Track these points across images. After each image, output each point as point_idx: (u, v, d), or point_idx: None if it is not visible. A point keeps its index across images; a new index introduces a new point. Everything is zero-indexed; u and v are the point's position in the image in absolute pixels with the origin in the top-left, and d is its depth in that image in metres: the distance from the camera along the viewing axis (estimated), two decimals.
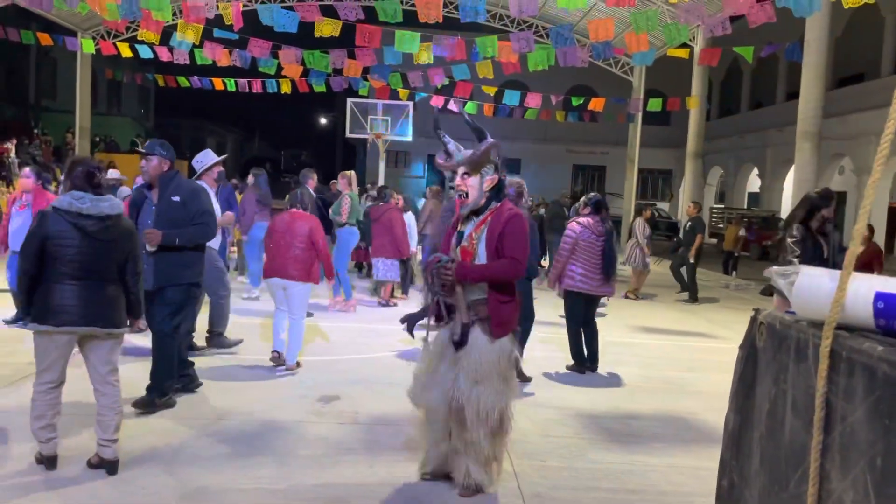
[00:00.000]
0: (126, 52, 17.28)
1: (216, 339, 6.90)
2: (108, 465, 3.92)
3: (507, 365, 3.79)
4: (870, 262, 9.39)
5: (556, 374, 6.73)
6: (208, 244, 6.47)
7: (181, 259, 5.06)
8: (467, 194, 3.82)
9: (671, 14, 16.28)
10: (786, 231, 5.39)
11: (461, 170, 3.82)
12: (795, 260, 5.02)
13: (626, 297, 12.03)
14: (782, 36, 19.56)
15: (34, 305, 3.80)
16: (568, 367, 6.86)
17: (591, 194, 7.27)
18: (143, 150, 5.20)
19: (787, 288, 1.65)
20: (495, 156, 3.87)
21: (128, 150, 28.61)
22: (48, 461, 3.90)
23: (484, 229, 3.78)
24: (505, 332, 3.78)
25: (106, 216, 3.85)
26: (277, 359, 6.38)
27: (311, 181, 9.35)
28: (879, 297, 1.46)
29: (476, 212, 3.86)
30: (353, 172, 10.35)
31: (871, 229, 9.94)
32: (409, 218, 10.27)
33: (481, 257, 3.77)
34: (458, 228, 3.93)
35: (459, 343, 3.76)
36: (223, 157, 6.91)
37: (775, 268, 1.80)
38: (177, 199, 5.03)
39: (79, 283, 3.79)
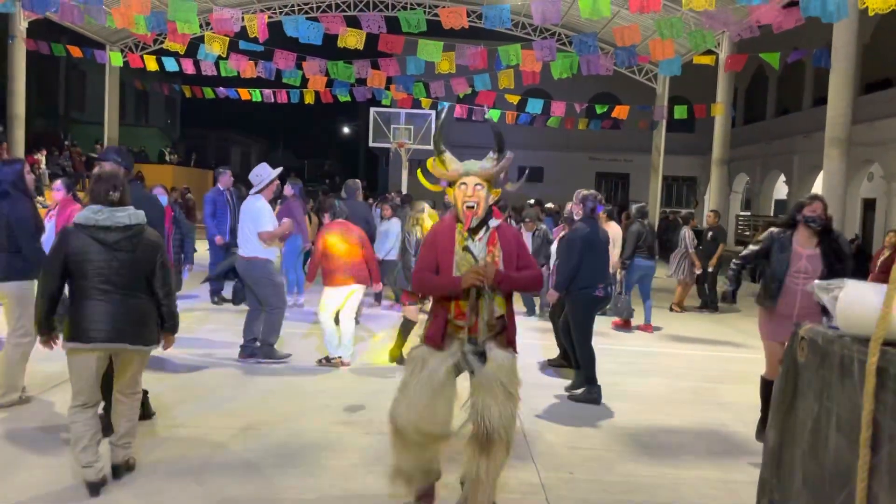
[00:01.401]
0: (153, 65, 17.54)
1: (266, 349, 6.89)
2: (113, 469, 3.95)
3: (519, 381, 3.68)
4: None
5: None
6: (262, 255, 6.70)
7: None
8: (476, 206, 3.53)
9: (696, 21, 16.16)
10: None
11: (474, 180, 3.55)
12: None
13: (672, 310, 11.69)
14: (809, 42, 19.31)
15: (69, 323, 3.78)
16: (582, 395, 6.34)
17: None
18: (96, 157, 5.04)
19: (831, 302, 1.61)
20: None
21: (156, 160, 29.02)
22: (90, 487, 3.77)
23: (498, 245, 3.61)
24: (516, 348, 3.72)
25: (125, 227, 3.78)
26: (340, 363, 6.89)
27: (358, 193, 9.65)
28: None
29: (474, 228, 3.60)
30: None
31: None
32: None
33: None
34: (464, 244, 3.59)
35: (481, 357, 3.55)
36: (279, 169, 6.97)
37: (818, 282, 1.76)
38: None
39: (105, 297, 3.74)
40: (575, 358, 6.43)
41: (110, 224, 3.76)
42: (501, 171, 3.67)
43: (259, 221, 6.64)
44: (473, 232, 3.60)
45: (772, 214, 29.68)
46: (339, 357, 6.87)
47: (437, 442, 3.54)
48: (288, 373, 6.55)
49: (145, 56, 18.63)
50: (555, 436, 5.19)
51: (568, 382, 6.58)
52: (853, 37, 14.01)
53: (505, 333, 3.65)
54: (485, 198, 3.56)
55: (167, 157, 29.42)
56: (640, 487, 4.30)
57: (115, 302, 3.76)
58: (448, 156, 3.70)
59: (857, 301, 1.58)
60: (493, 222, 3.67)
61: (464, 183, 3.55)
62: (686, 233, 11.48)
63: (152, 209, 4.54)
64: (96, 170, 4.51)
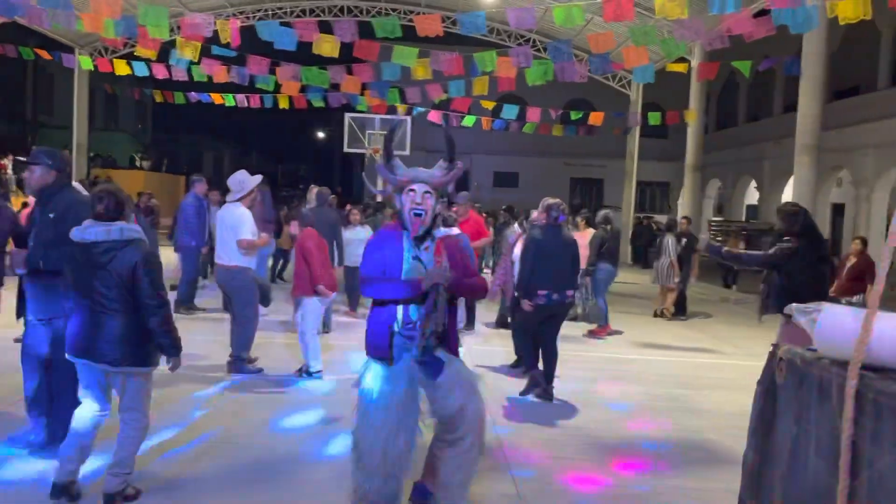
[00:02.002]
0: (123, 69, 17.28)
1: (237, 363, 6.72)
2: (104, 496, 3.78)
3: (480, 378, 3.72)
4: (863, 274, 9.40)
5: (561, 391, 6.66)
6: (243, 264, 6.57)
7: (48, 287, 4.35)
8: (424, 214, 3.48)
9: (668, 28, 16.33)
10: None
11: (423, 188, 3.47)
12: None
13: (663, 315, 11.65)
14: (779, 50, 19.62)
15: None
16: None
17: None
18: (27, 160, 4.72)
19: (809, 325, 1.61)
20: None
21: (126, 165, 28.61)
22: (52, 487, 3.73)
23: (444, 255, 3.56)
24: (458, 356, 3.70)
25: (92, 243, 3.69)
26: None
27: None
28: None
29: (420, 237, 3.55)
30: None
31: (864, 242, 9.95)
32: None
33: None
34: (414, 253, 3.53)
35: (433, 364, 3.49)
36: (259, 177, 6.85)
37: (796, 305, 1.75)
38: (52, 215, 4.34)
39: (84, 312, 3.75)
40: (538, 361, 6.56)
41: (81, 239, 3.73)
42: (451, 181, 3.61)
43: (239, 229, 6.54)
44: (419, 240, 3.54)
45: (743, 220, 30.07)
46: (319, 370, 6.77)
47: (403, 465, 3.44)
48: (261, 384, 6.46)
49: (115, 60, 18.35)
50: (531, 445, 5.17)
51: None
52: (822, 45, 14.25)
53: (448, 343, 3.59)
54: (432, 206, 3.50)
55: (138, 163, 28.99)
56: (618, 497, 4.30)
57: (89, 317, 3.72)
58: (396, 162, 3.63)
59: (835, 325, 1.57)
60: (439, 232, 3.65)
61: (412, 190, 3.48)
62: (670, 240, 11.48)
63: (84, 214, 4.19)
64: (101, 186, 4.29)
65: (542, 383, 6.35)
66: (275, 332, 8.67)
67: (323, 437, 5.12)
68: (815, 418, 1.60)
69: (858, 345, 1.42)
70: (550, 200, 6.65)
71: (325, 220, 9.17)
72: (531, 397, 6.36)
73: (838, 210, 25.86)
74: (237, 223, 6.56)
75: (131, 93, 24.42)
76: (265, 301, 7.12)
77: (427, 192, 3.48)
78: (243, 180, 6.65)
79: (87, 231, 3.74)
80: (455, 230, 8.99)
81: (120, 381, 3.81)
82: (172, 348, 3.85)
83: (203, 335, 8.15)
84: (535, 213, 7.21)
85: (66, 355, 3.84)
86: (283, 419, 5.48)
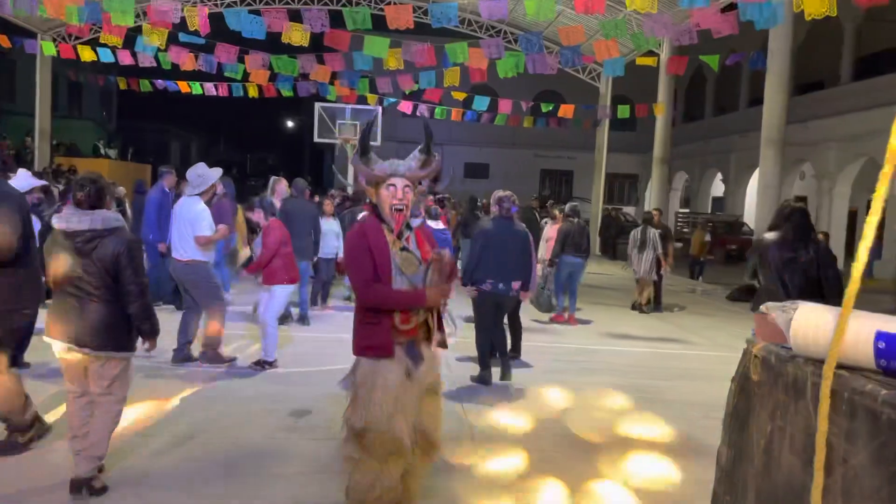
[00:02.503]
0: (88, 55, 16.90)
1: (210, 354, 6.71)
2: (72, 481, 3.78)
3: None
4: None
5: (532, 382, 6.71)
6: (201, 258, 6.53)
7: None
8: (405, 209, 3.41)
9: (638, 22, 16.45)
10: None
11: (403, 182, 3.39)
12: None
13: (641, 310, 11.68)
14: (746, 45, 19.90)
15: None
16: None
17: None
18: None
19: (785, 324, 1.63)
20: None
21: (90, 154, 28.02)
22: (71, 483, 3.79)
23: (426, 243, 3.54)
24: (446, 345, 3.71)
25: (73, 232, 3.75)
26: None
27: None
28: (880, 336, 1.44)
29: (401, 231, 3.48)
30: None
31: (826, 236, 10.14)
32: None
33: None
34: (401, 245, 3.44)
35: (420, 358, 3.45)
36: (219, 170, 6.78)
37: (771, 302, 1.78)
38: None
39: (61, 298, 3.82)
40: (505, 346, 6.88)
41: (62, 227, 3.78)
42: (431, 175, 3.54)
43: (197, 225, 6.47)
44: (400, 233, 3.45)
45: (709, 211, 30.52)
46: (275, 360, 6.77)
47: (404, 453, 3.36)
48: (225, 377, 6.39)
49: (80, 46, 17.94)
50: (502, 435, 5.20)
51: (505, 381, 6.72)
52: (788, 41, 14.50)
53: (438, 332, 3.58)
54: (412, 200, 3.43)
55: (102, 151, 28.39)
56: (590, 490, 4.34)
57: (67, 303, 3.79)
58: (373, 156, 3.53)
59: (810, 323, 1.60)
60: (414, 222, 3.64)
61: (392, 184, 3.39)
62: (655, 234, 11.44)
63: (4, 203, 4.12)
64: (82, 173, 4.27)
65: (487, 382, 6.58)
66: (235, 323, 8.58)
67: (293, 430, 5.09)
68: (789, 416, 1.63)
69: (834, 344, 1.45)
70: (501, 193, 6.85)
71: (305, 211, 9.08)
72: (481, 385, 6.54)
73: (801, 202, 26.29)
74: (195, 218, 6.48)
75: (95, 80, 23.88)
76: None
77: (407, 185, 3.41)
78: (203, 174, 6.53)
79: (70, 219, 3.77)
80: (440, 224, 9.05)
81: (98, 366, 3.84)
82: (152, 333, 3.98)
83: (171, 326, 8.03)
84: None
85: (45, 338, 3.88)
86: (251, 413, 5.43)
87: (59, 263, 3.76)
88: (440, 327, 3.59)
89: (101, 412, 3.89)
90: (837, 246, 18.26)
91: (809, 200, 25.16)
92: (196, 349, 6.84)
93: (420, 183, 3.54)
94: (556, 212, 10.75)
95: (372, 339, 3.37)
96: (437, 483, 4.13)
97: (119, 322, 3.84)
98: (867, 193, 23.10)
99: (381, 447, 3.30)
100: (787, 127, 14.96)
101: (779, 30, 13.68)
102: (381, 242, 3.39)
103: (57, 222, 3.83)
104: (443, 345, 3.62)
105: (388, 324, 3.37)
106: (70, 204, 3.88)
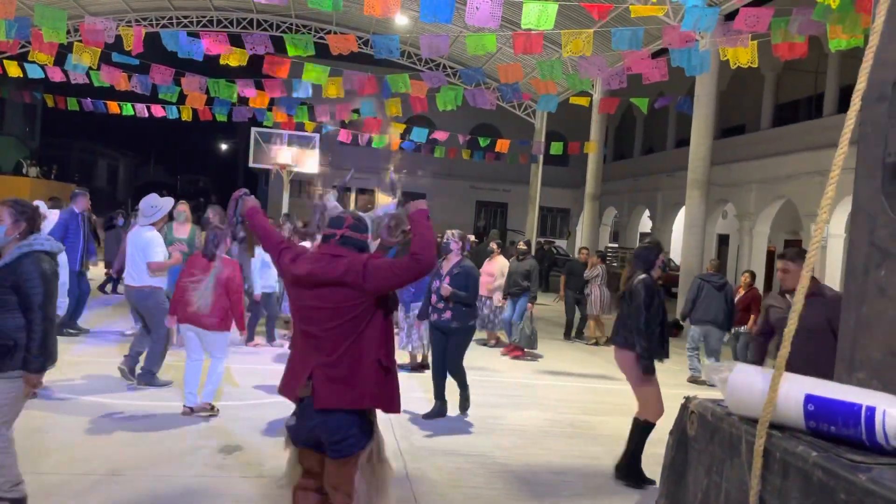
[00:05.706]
0: (14, 70, 16.29)
1: (147, 376, 6.86)
2: None
3: None
4: (749, 306, 9.97)
5: (457, 416, 6.73)
6: (156, 284, 6.82)
7: None
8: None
9: (573, 63, 16.98)
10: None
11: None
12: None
13: (597, 343, 12.14)
14: (674, 89, 20.78)
15: None
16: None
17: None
18: None
19: (721, 384, 1.72)
20: None
21: (11, 171, 26.88)
22: None
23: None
24: None
25: None
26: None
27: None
28: (809, 399, 1.54)
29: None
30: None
31: (752, 275, 10.56)
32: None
33: None
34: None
35: None
36: (171, 200, 7.27)
37: (709, 363, 1.87)
38: None
39: None
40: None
41: None
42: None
43: (149, 252, 6.80)
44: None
45: (637, 246, 31.46)
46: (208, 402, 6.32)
47: None
48: (152, 410, 6.19)
49: (6, 61, 17.28)
50: (438, 474, 5.19)
51: (455, 413, 6.77)
52: (713, 86, 15.20)
53: None
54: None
55: (25, 170, 27.26)
56: None
57: None
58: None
59: (745, 384, 1.69)
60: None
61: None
62: (602, 270, 12.36)
63: None
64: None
65: (442, 414, 6.72)
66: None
67: (222, 468, 4.96)
68: (725, 472, 1.71)
69: (766, 405, 1.54)
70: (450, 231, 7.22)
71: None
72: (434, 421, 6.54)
73: (723, 240, 27.46)
74: (146, 245, 6.84)
75: (20, 95, 23.00)
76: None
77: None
78: (155, 206, 6.93)
79: None
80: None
81: None
82: (34, 363, 3.68)
83: (86, 358, 7.77)
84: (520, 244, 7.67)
85: None
86: (179, 449, 5.27)
87: None
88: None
89: None
90: (758, 282, 19.02)
91: (731, 238, 26.26)
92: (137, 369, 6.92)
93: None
94: (494, 246, 11.03)
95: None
96: None
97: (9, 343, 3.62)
98: (784, 234, 24.30)
99: None
100: (711, 168, 15.61)
101: (705, 76, 14.33)
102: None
103: None
104: None
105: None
106: None
